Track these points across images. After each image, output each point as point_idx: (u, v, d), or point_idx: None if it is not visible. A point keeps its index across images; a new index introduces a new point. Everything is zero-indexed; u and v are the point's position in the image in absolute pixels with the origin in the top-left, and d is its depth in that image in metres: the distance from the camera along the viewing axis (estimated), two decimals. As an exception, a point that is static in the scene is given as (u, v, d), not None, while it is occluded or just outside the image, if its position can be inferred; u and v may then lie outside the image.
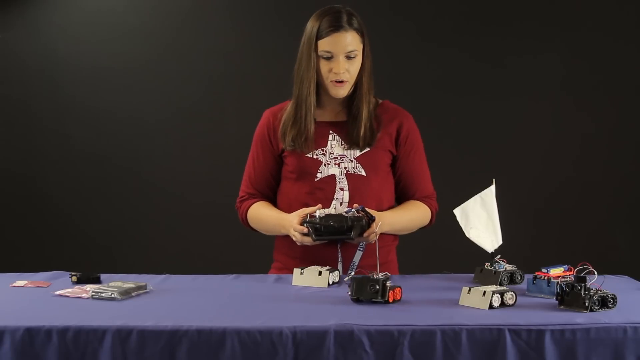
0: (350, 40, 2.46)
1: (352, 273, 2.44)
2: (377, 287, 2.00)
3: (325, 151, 2.54)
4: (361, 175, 2.52)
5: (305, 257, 2.48)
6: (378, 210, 2.48)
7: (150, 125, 4.47)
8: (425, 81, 4.36)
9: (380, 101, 2.62)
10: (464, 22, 4.36)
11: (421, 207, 2.59)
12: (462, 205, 2.28)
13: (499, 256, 2.27)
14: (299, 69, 2.52)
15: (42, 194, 4.56)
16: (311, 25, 2.49)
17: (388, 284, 2.01)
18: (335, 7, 2.50)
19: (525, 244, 3.90)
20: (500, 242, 2.25)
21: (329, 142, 2.54)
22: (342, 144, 2.54)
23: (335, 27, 2.45)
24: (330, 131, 2.55)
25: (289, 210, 2.51)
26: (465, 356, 1.78)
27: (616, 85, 4.33)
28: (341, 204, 2.50)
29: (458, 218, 2.27)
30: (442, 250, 3.78)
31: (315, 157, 2.53)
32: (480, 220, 2.26)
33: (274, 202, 2.62)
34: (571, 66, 4.33)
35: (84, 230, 4.54)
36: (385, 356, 1.78)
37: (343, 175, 2.52)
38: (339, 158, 2.53)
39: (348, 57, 2.46)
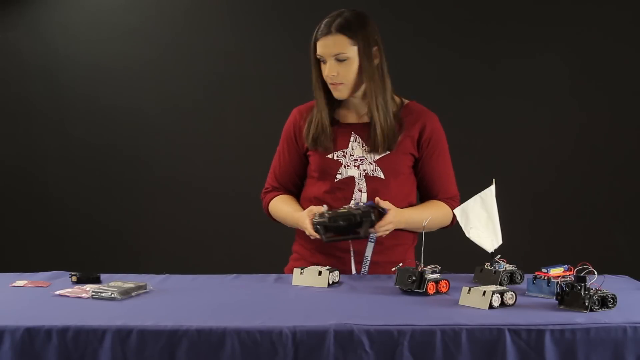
0: (335, 44, 2.46)
1: (366, 269, 2.46)
2: (414, 278, 2.09)
3: (346, 153, 2.54)
4: (380, 178, 2.53)
5: (320, 248, 2.51)
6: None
7: (151, 124, 4.48)
8: (424, 81, 4.36)
9: (406, 102, 2.60)
10: (463, 23, 4.36)
11: (442, 206, 2.58)
12: (462, 205, 2.29)
13: (499, 256, 2.27)
14: (312, 71, 2.56)
15: (42, 194, 4.56)
16: (315, 30, 2.52)
17: (429, 275, 2.10)
18: (340, 10, 2.50)
19: (525, 244, 3.90)
20: (500, 242, 2.25)
21: (350, 143, 2.55)
22: (363, 146, 2.53)
23: (324, 31, 2.47)
24: (353, 133, 2.55)
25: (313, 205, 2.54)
26: (465, 356, 1.78)
27: (616, 86, 4.33)
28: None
29: (458, 218, 2.28)
30: (442, 250, 3.80)
31: (335, 158, 2.55)
32: (480, 220, 2.26)
33: (297, 197, 2.65)
34: (571, 67, 4.33)
35: (84, 230, 4.54)
36: (385, 356, 1.78)
37: (362, 178, 2.53)
38: (358, 160, 2.54)
39: (339, 60, 2.47)
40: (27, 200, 4.56)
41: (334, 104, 2.57)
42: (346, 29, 2.46)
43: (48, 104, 4.49)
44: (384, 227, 2.40)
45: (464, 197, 2.30)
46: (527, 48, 4.32)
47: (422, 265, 2.13)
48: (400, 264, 2.18)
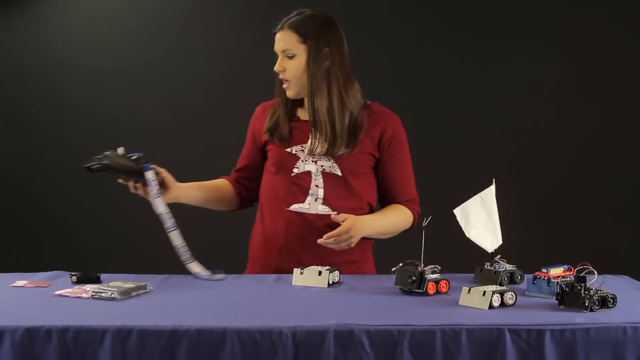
0: (283, 39, 2.54)
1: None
2: (414, 278, 2.09)
3: (305, 147, 2.56)
4: (337, 175, 2.54)
5: (280, 251, 2.56)
6: (357, 212, 2.52)
7: (150, 125, 4.48)
8: (424, 83, 4.36)
9: (369, 103, 2.62)
10: (462, 24, 4.37)
11: (403, 210, 2.61)
12: (462, 205, 2.28)
13: (499, 256, 2.27)
14: None
15: (41, 194, 4.56)
16: None
17: (429, 275, 2.09)
18: (302, 9, 2.56)
19: (525, 244, 3.90)
20: (500, 242, 2.25)
21: (310, 139, 2.56)
22: (323, 143, 2.54)
23: (278, 27, 2.57)
24: (313, 129, 2.56)
25: (269, 201, 2.60)
26: (465, 356, 1.78)
27: (616, 86, 4.33)
28: (316, 199, 2.53)
29: (458, 218, 2.28)
30: (442, 250, 3.80)
31: (294, 152, 2.56)
32: (480, 220, 2.26)
33: (244, 189, 2.71)
34: (571, 67, 4.34)
35: (84, 230, 4.54)
36: (385, 356, 1.78)
37: (319, 173, 2.54)
38: (317, 156, 2.55)
39: (287, 57, 2.53)
40: (26, 199, 4.56)
41: (295, 102, 2.60)
42: (297, 27, 2.52)
43: (47, 104, 4.49)
44: (342, 237, 2.42)
45: (465, 197, 2.30)
46: (528, 48, 4.33)
47: (422, 265, 2.13)
48: (400, 264, 2.18)
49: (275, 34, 2.57)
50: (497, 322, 1.82)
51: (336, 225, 2.44)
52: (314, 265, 2.30)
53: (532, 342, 1.79)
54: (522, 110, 4.36)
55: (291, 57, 2.52)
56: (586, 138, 4.36)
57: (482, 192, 2.29)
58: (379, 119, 2.58)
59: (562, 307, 1.95)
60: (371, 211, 2.61)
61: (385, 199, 2.65)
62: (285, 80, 2.54)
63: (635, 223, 4.37)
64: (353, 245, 2.46)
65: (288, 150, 2.57)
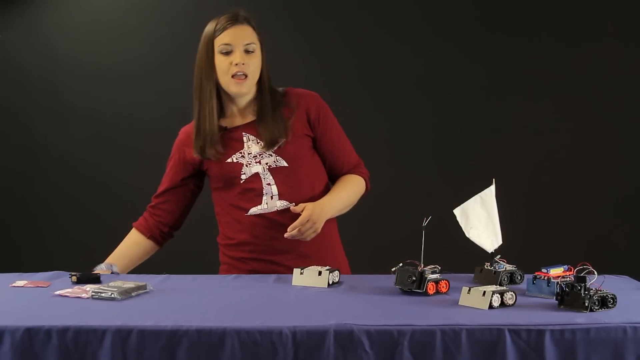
0: (245, 33, 2.52)
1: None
2: (414, 278, 2.08)
3: (244, 153, 2.57)
4: (284, 166, 2.55)
5: (253, 253, 2.56)
6: (316, 197, 2.54)
7: (149, 125, 4.47)
8: (424, 83, 4.36)
9: (285, 89, 2.64)
10: (459, 23, 4.36)
11: (354, 178, 2.64)
12: (462, 205, 2.28)
13: (499, 256, 2.27)
14: (198, 75, 2.55)
15: (42, 194, 4.56)
16: (208, 29, 2.57)
17: (429, 275, 2.09)
18: (236, 9, 2.57)
19: (525, 244, 3.89)
20: (500, 242, 2.25)
21: (244, 143, 2.57)
22: (258, 143, 2.56)
23: (233, 21, 2.53)
24: (243, 133, 2.58)
25: (226, 215, 2.61)
26: (465, 356, 1.78)
27: (617, 86, 4.33)
28: (272, 197, 2.54)
29: (458, 218, 2.27)
30: (442, 250, 3.80)
31: (235, 160, 2.57)
32: (480, 220, 2.26)
33: (165, 215, 2.73)
34: (570, 66, 4.33)
35: (84, 231, 4.54)
36: (385, 356, 1.78)
37: (266, 171, 2.55)
38: (258, 156, 2.56)
39: (247, 51, 2.51)
40: (27, 200, 4.56)
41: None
42: (252, 23, 2.55)
43: (45, 104, 4.49)
44: (305, 226, 2.43)
45: (465, 197, 2.30)
46: (527, 47, 4.33)
47: (422, 265, 2.13)
48: (400, 264, 2.18)
49: (226, 28, 2.53)
50: (497, 322, 1.82)
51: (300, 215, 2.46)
52: (287, 262, 2.31)
53: (532, 342, 1.79)
54: (522, 109, 4.36)
55: (251, 52, 2.52)
56: (586, 137, 4.36)
57: (482, 192, 2.28)
58: (299, 101, 2.60)
59: (562, 307, 1.95)
60: (327, 190, 2.63)
61: (332, 174, 2.66)
62: (241, 75, 2.52)
63: (635, 223, 4.37)
64: (319, 231, 2.47)
65: (228, 161, 2.57)
